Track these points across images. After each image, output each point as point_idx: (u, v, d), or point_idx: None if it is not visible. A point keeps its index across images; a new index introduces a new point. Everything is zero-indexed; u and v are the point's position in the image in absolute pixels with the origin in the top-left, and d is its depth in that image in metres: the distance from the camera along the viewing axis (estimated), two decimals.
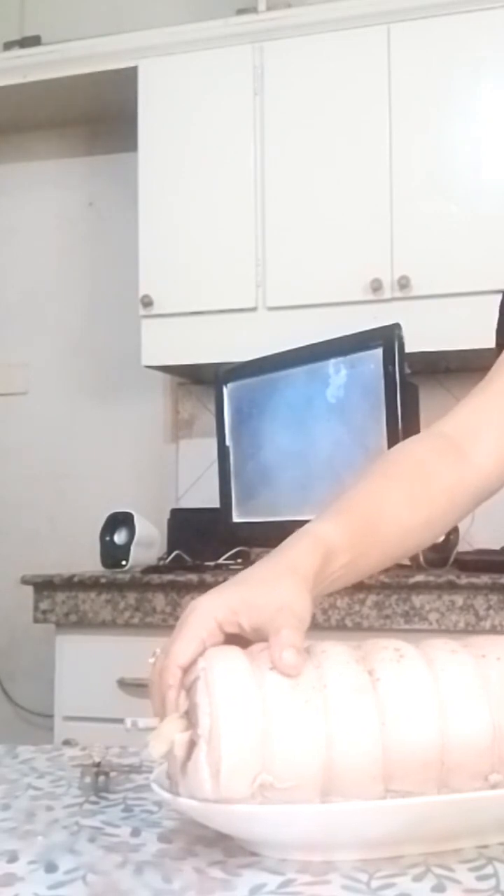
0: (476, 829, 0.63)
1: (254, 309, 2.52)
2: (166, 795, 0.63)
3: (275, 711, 0.60)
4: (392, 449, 0.92)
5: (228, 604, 0.67)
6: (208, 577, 2.16)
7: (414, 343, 2.17)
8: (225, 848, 0.63)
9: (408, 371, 2.12)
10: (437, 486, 0.86)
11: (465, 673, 0.64)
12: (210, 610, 0.66)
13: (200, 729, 0.60)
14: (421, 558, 2.19)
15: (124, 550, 2.39)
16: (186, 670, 0.64)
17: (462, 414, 0.92)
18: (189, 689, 0.62)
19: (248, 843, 0.62)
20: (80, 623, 2.26)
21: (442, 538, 2.21)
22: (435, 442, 0.89)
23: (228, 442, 2.49)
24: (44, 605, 2.29)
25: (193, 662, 0.64)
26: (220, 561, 2.39)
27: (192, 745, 0.61)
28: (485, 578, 2.01)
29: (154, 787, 0.65)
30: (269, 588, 0.68)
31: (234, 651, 0.64)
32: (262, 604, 0.66)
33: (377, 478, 0.85)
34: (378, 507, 0.82)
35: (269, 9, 2.56)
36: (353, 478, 0.85)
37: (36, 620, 2.30)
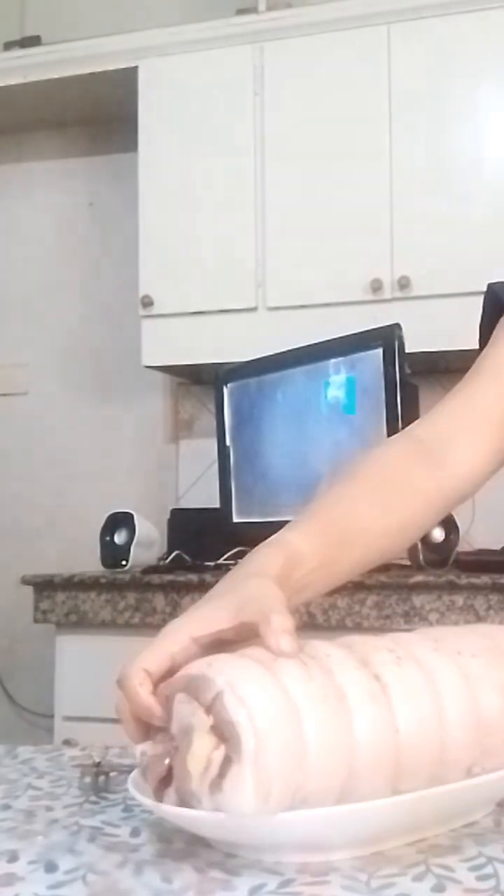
0: (462, 812, 0.66)
1: (254, 309, 2.53)
2: (147, 802, 0.62)
3: (310, 725, 0.59)
4: (366, 454, 0.90)
5: (201, 617, 0.65)
6: (208, 577, 2.16)
7: (414, 343, 2.17)
8: (225, 848, 0.63)
9: (408, 371, 2.12)
10: (410, 490, 0.86)
11: (453, 672, 0.65)
12: (180, 626, 0.65)
13: (243, 747, 0.58)
14: (421, 558, 2.19)
15: (124, 550, 2.39)
16: (159, 683, 0.62)
17: (437, 418, 0.92)
18: (211, 705, 0.60)
19: (245, 849, 0.62)
20: (80, 623, 2.26)
21: (442, 538, 2.21)
22: (408, 446, 0.90)
23: (228, 442, 2.49)
24: (44, 605, 2.29)
25: (167, 675, 0.62)
26: (220, 561, 2.39)
27: (227, 761, 0.59)
28: (485, 578, 2.01)
29: (134, 792, 0.63)
30: (236, 592, 0.67)
31: (246, 661, 0.62)
32: (235, 604, 0.65)
33: (347, 483, 0.85)
34: (347, 511, 0.81)
35: (269, 9, 2.56)
36: (323, 485, 0.85)
37: (36, 620, 2.30)
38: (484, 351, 0.97)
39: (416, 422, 0.93)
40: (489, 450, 0.90)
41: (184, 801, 0.61)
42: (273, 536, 0.76)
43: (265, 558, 0.72)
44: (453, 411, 0.92)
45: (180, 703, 0.62)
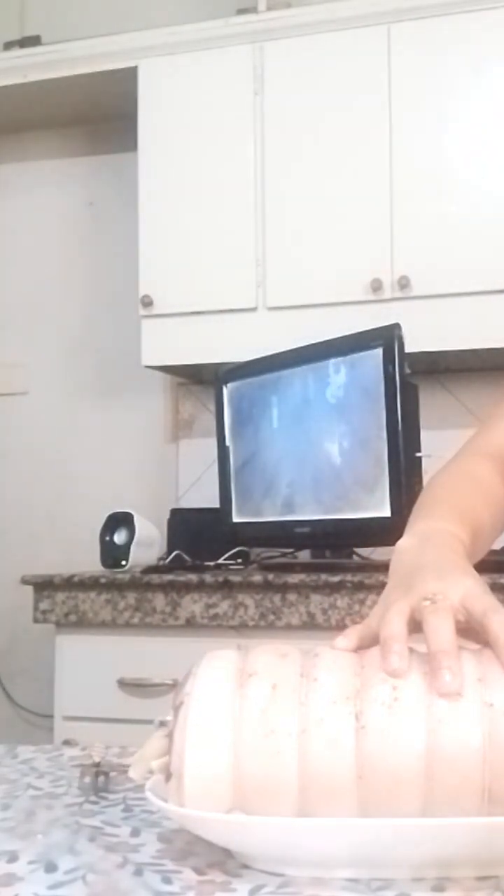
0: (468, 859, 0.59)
1: (254, 309, 2.52)
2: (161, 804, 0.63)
3: (244, 759, 0.58)
4: (459, 465, 1.00)
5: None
6: (208, 577, 2.16)
7: (414, 343, 2.17)
8: (225, 848, 0.63)
9: (408, 371, 2.12)
10: (494, 491, 0.98)
11: (466, 732, 0.57)
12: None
13: (172, 766, 0.60)
14: None
15: (124, 550, 2.39)
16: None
17: (492, 434, 1.02)
18: (176, 709, 0.61)
19: (239, 856, 0.62)
20: (80, 623, 2.26)
21: None
22: (481, 459, 1.01)
23: (228, 442, 2.49)
24: (44, 605, 2.29)
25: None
26: (220, 561, 2.39)
27: (166, 772, 0.61)
28: (484, 578, 2.01)
29: (149, 795, 0.64)
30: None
31: (222, 676, 0.61)
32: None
33: (454, 482, 0.96)
34: (470, 506, 0.91)
35: (269, 9, 2.56)
36: (442, 485, 0.95)
37: (36, 620, 2.30)
38: None
39: (472, 439, 1.02)
40: None
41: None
42: (427, 526, 0.84)
43: (453, 546, 0.82)
44: None
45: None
